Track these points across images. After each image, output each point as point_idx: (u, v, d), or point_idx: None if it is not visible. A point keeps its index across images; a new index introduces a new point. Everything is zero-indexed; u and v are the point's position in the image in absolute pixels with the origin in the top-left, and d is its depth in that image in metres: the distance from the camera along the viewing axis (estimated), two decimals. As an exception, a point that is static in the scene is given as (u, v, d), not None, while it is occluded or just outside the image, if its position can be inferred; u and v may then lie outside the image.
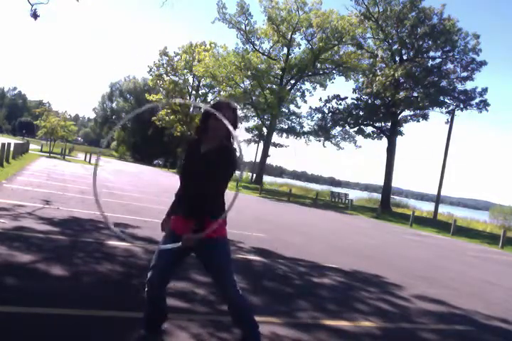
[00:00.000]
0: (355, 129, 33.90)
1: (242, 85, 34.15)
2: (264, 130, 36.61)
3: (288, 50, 33.95)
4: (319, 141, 34.96)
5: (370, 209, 29.25)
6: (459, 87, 31.02)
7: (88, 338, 2.81)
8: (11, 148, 18.39)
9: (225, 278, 2.64)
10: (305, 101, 41.34)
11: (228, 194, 2.57)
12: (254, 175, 38.69)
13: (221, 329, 3.28)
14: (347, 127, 34.04)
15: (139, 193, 13.70)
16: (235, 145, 2.62)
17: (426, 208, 39.23)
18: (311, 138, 35.62)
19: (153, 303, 2.73)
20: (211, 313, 3.65)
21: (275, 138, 37.86)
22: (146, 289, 2.70)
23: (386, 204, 30.60)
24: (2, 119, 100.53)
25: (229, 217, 2.68)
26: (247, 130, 38.25)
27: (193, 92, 48.11)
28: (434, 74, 30.44)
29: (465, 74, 30.76)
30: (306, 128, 36.42)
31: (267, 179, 46.60)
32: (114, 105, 72.09)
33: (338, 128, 34.48)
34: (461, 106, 30.51)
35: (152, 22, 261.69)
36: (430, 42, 30.61)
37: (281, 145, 37.81)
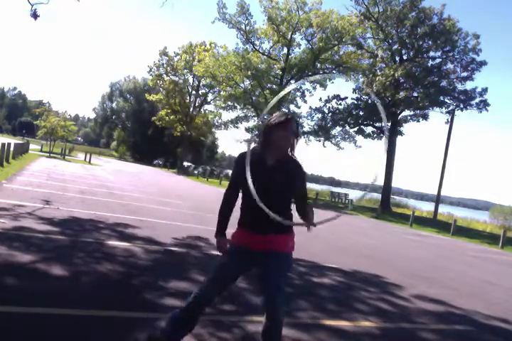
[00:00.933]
0: (355, 129, 33.89)
1: (242, 85, 34.14)
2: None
3: (288, 50, 33.93)
4: (319, 141, 34.93)
5: (370, 209, 29.26)
6: (459, 87, 31.04)
7: (88, 338, 2.81)
8: (11, 148, 18.39)
9: (278, 291, 2.59)
10: (305, 101, 41.34)
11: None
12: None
13: (221, 329, 3.28)
14: (347, 127, 34.03)
15: (139, 193, 13.70)
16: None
17: (426, 208, 39.24)
18: (311, 138, 35.58)
19: (191, 315, 2.62)
20: (212, 313, 3.65)
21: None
22: (194, 298, 2.58)
23: (386, 204, 30.59)
24: (2, 119, 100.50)
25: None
26: (247, 130, 38.24)
27: (193, 92, 48.10)
28: (434, 74, 30.43)
29: (465, 74, 30.77)
30: (306, 128, 36.37)
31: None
32: (114, 105, 72.01)
33: (338, 128, 34.46)
34: (461, 106, 30.50)
35: (152, 22, 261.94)
36: (430, 42, 30.61)
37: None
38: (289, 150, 2.59)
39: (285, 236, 2.62)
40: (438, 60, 31.65)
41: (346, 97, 34.08)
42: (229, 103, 36.05)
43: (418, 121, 32.79)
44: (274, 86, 33.15)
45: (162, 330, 2.68)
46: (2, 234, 5.16)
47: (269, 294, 2.58)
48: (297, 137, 2.61)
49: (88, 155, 32.38)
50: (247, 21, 33.64)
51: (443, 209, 40.04)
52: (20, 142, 29.51)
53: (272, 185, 2.51)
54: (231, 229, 2.67)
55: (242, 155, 2.63)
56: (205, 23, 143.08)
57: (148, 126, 56.32)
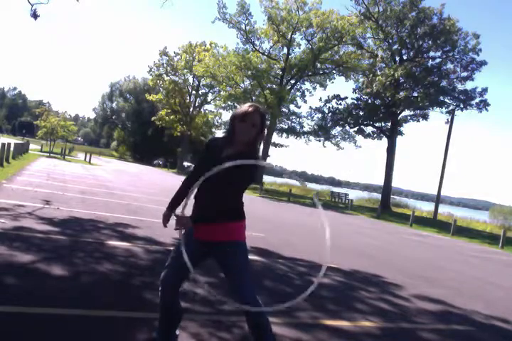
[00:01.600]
0: (355, 129, 33.92)
1: (242, 85, 34.13)
2: (264, 130, 36.52)
3: (288, 50, 33.94)
4: (319, 141, 34.97)
5: (370, 209, 29.26)
6: (459, 86, 31.09)
7: (88, 338, 2.81)
8: (11, 148, 18.39)
9: (241, 280, 2.57)
10: (305, 101, 41.40)
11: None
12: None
13: (221, 329, 3.28)
14: (347, 127, 34.07)
15: (139, 193, 13.69)
16: (259, 153, 2.57)
17: (426, 208, 39.22)
18: (311, 138, 35.60)
19: (166, 305, 2.66)
20: (211, 313, 3.65)
21: (275, 138, 37.86)
22: (159, 289, 2.64)
23: (386, 204, 30.60)
24: (2, 119, 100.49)
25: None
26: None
27: (193, 92, 48.09)
28: (434, 74, 30.44)
29: (465, 74, 30.80)
30: (306, 128, 36.39)
31: (266, 179, 46.60)
32: (114, 105, 72.02)
33: (338, 128, 34.52)
34: (461, 106, 30.54)
35: (152, 22, 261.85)
36: (430, 42, 30.63)
37: (281, 145, 37.80)
38: (249, 142, 2.51)
39: (231, 224, 2.56)
40: (438, 60, 31.69)
41: (346, 97, 34.18)
42: (229, 103, 36.04)
43: (418, 121, 32.84)
44: (274, 86, 33.13)
45: (157, 331, 2.75)
46: (2, 234, 5.16)
47: (236, 289, 2.56)
48: (261, 130, 2.53)
49: (88, 155, 32.38)
50: (247, 21, 33.67)
51: (443, 209, 40.02)
52: (20, 142, 29.51)
53: (213, 177, 2.42)
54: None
55: (209, 141, 2.69)
56: (205, 23, 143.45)
57: (148, 126, 56.31)
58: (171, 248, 6.04)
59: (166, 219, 2.72)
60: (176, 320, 2.75)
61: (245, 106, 2.55)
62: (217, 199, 2.46)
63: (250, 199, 20.71)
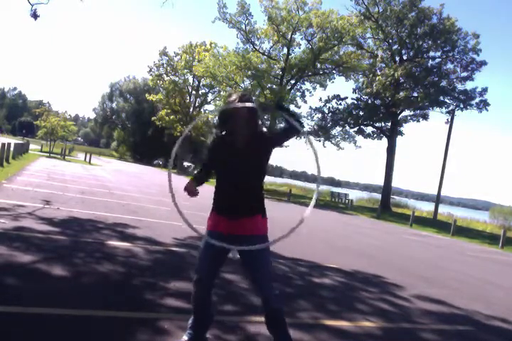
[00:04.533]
0: (355, 129, 33.89)
1: (242, 85, 34.10)
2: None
3: (288, 50, 33.89)
4: (319, 141, 34.91)
5: (370, 209, 29.25)
6: (459, 86, 31.06)
7: (88, 338, 2.81)
8: (11, 148, 18.38)
9: (262, 275, 2.60)
10: (305, 101, 41.30)
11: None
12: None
13: (222, 330, 3.27)
14: (347, 127, 34.02)
15: (139, 193, 13.69)
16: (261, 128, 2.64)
17: (426, 208, 39.21)
18: (311, 138, 35.57)
19: (200, 302, 2.66)
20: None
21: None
22: (194, 291, 2.65)
23: (386, 205, 30.58)
24: (2, 119, 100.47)
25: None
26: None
27: (193, 92, 48.07)
28: (434, 74, 30.43)
29: (465, 74, 30.78)
30: (306, 128, 36.35)
31: (266, 179, 46.68)
32: (114, 105, 71.91)
33: (338, 128, 34.45)
34: (461, 106, 30.51)
35: (152, 22, 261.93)
36: (430, 42, 30.61)
37: (281, 145, 37.79)
38: (252, 126, 2.57)
39: (254, 219, 2.60)
40: (438, 60, 31.68)
41: (346, 97, 34.13)
42: (229, 103, 35.98)
43: (418, 121, 32.82)
44: (274, 86, 33.10)
45: (187, 334, 2.75)
46: (2, 234, 5.16)
47: (258, 283, 2.62)
48: (254, 111, 2.56)
49: (88, 156, 32.37)
50: (247, 21, 33.60)
51: (443, 209, 40.03)
52: (20, 142, 29.50)
53: (239, 166, 2.53)
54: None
55: (214, 139, 2.73)
56: (205, 23, 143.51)
57: (148, 126, 56.29)
58: (171, 248, 6.05)
59: (190, 189, 2.61)
60: (208, 320, 2.75)
61: (228, 103, 2.56)
62: (240, 191, 2.50)
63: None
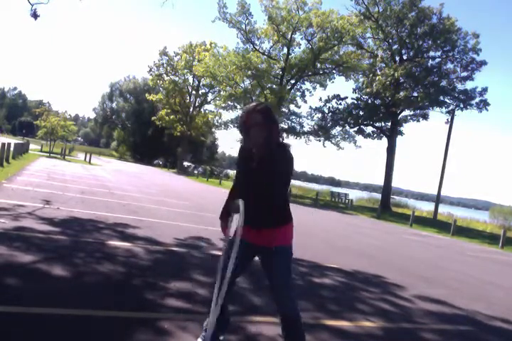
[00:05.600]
0: (355, 129, 33.89)
1: (242, 85, 34.10)
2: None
3: (288, 50, 33.89)
4: (319, 140, 34.91)
5: (370, 209, 29.25)
6: (459, 86, 31.07)
7: (88, 338, 2.81)
8: (11, 148, 18.38)
9: (282, 286, 2.59)
10: (305, 101, 41.28)
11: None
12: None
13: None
14: (347, 127, 34.02)
15: (139, 193, 13.69)
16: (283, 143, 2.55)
17: (426, 208, 39.22)
18: (311, 138, 35.54)
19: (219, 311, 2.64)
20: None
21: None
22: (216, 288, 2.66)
23: (386, 204, 30.59)
24: (2, 119, 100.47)
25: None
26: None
27: (193, 92, 48.07)
28: (434, 74, 30.44)
29: (465, 74, 30.80)
30: (306, 128, 36.32)
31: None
32: (114, 105, 71.92)
33: (338, 128, 34.45)
34: (461, 105, 30.53)
35: (152, 22, 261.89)
36: (430, 41, 30.63)
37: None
38: (268, 140, 2.47)
39: (279, 229, 2.60)
40: (438, 60, 31.68)
41: (346, 97, 34.14)
42: (229, 103, 36.01)
43: (418, 121, 32.84)
44: (274, 86, 33.10)
45: (202, 337, 2.75)
46: (2, 234, 5.15)
47: (276, 294, 2.61)
48: (269, 124, 2.49)
49: (88, 155, 32.36)
50: (247, 21, 33.60)
51: (443, 209, 40.03)
52: (20, 142, 29.50)
53: (253, 178, 2.53)
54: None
55: (239, 150, 2.73)
56: (205, 23, 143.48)
57: (148, 126, 56.30)
58: (172, 248, 6.05)
59: (224, 227, 2.76)
60: (224, 322, 2.76)
61: (241, 115, 2.56)
62: (256, 203, 2.47)
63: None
